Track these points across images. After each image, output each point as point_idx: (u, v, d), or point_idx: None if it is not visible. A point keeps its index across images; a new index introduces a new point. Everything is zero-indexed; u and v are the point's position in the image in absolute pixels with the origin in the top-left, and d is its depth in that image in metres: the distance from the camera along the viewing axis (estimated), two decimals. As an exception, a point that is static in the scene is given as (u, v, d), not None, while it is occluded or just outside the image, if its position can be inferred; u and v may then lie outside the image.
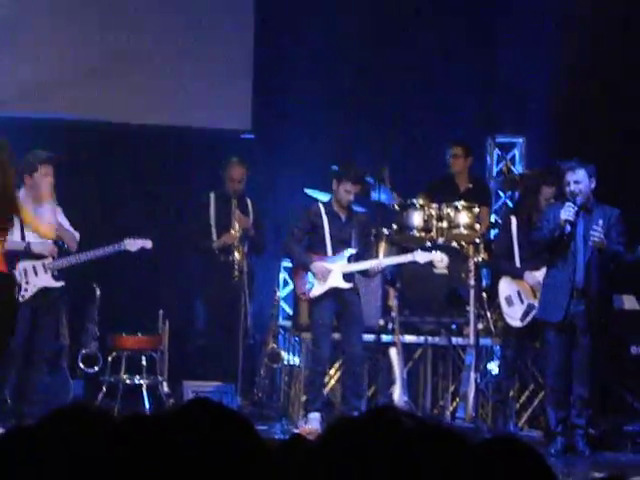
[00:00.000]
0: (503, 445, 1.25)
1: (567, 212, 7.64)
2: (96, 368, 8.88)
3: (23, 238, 8.02)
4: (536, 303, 8.22)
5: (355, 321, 8.43)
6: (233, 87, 10.30)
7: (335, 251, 8.47)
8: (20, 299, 7.89)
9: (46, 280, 8.06)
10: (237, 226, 9.14)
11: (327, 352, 8.43)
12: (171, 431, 1.52)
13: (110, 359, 8.88)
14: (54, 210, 8.05)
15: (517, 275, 8.48)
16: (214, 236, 9.24)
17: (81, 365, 8.88)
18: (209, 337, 9.35)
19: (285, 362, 9.34)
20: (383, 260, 8.60)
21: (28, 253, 8.00)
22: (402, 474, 1.16)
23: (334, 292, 8.42)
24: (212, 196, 9.34)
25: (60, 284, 8.12)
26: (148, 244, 8.33)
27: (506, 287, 8.54)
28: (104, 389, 8.77)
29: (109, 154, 10.03)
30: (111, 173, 10.03)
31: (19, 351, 7.90)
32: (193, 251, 9.55)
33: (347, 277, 8.44)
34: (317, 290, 8.45)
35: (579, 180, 7.70)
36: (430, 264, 8.84)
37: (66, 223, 8.24)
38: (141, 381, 8.86)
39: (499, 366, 8.86)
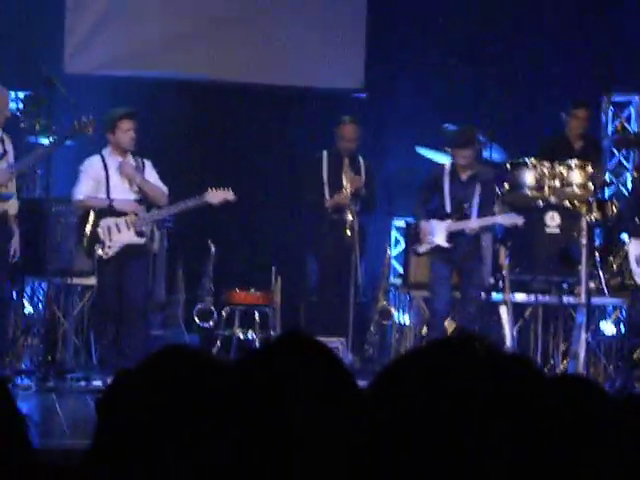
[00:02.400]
0: (570, 382, 1.28)
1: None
2: (211, 323, 9.07)
3: (108, 196, 8.20)
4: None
5: (469, 282, 8.54)
6: (346, 46, 10.33)
7: (454, 211, 8.51)
8: (104, 256, 8.08)
9: (129, 237, 8.18)
10: (348, 185, 9.19)
11: (443, 304, 8.52)
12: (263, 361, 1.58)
13: (224, 314, 9.07)
14: (138, 166, 8.22)
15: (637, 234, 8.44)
16: (326, 194, 9.29)
17: (196, 319, 9.07)
18: (321, 294, 9.44)
19: (395, 320, 9.41)
20: (477, 222, 8.57)
21: (111, 210, 8.17)
22: (473, 397, 1.20)
23: (441, 250, 8.52)
24: (325, 154, 9.39)
25: (143, 240, 8.23)
26: (230, 195, 8.28)
27: (636, 247, 8.48)
28: (218, 343, 8.96)
29: (223, 112, 10.18)
30: (224, 131, 10.18)
31: (112, 308, 8.11)
32: (305, 208, 9.64)
33: (450, 237, 8.49)
34: (424, 247, 8.60)
35: None
36: (543, 223, 8.79)
37: (153, 177, 8.34)
38: (254, 336, 9.02)
39: (623, 324, 8.79)
